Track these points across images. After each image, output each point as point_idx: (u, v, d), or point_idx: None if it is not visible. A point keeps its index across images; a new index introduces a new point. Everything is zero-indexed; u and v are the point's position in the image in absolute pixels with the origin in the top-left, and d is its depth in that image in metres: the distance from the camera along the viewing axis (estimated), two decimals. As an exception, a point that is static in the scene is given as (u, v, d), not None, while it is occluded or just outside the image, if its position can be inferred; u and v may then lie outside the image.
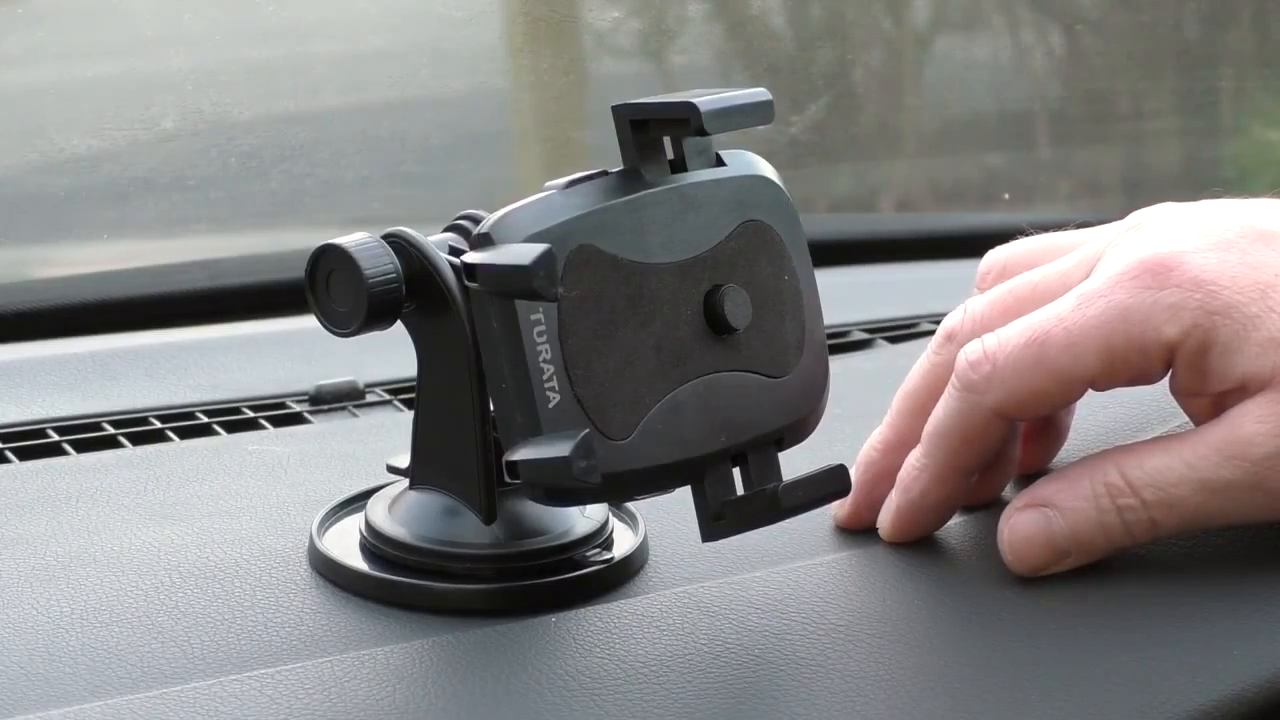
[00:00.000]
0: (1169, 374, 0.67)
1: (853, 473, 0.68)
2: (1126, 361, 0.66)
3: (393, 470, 0.70)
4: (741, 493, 0.66)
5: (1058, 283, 0.69)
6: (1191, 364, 0.66)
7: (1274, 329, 0.65)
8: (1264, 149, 1.55)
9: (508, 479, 0.63)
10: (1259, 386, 0.65)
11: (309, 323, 0.67)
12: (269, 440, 0.85)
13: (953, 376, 0.68)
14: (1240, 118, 1.55)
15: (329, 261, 0.65)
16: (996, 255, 0.75)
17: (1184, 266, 0.65)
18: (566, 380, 0.62)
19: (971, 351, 0.67)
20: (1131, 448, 0.66)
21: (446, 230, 0.68)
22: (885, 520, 0.70)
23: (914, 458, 0.69)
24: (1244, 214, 0.68)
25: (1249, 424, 0.65)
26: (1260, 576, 0.66)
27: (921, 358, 0.72)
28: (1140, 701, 0.61)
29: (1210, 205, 0.70)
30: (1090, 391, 0.68)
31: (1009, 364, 0.67)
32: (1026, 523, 0.66)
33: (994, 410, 0.67)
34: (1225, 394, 0.66)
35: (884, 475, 0.70)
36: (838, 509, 0.72)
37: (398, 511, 0.68)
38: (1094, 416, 0.76)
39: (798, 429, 0.68)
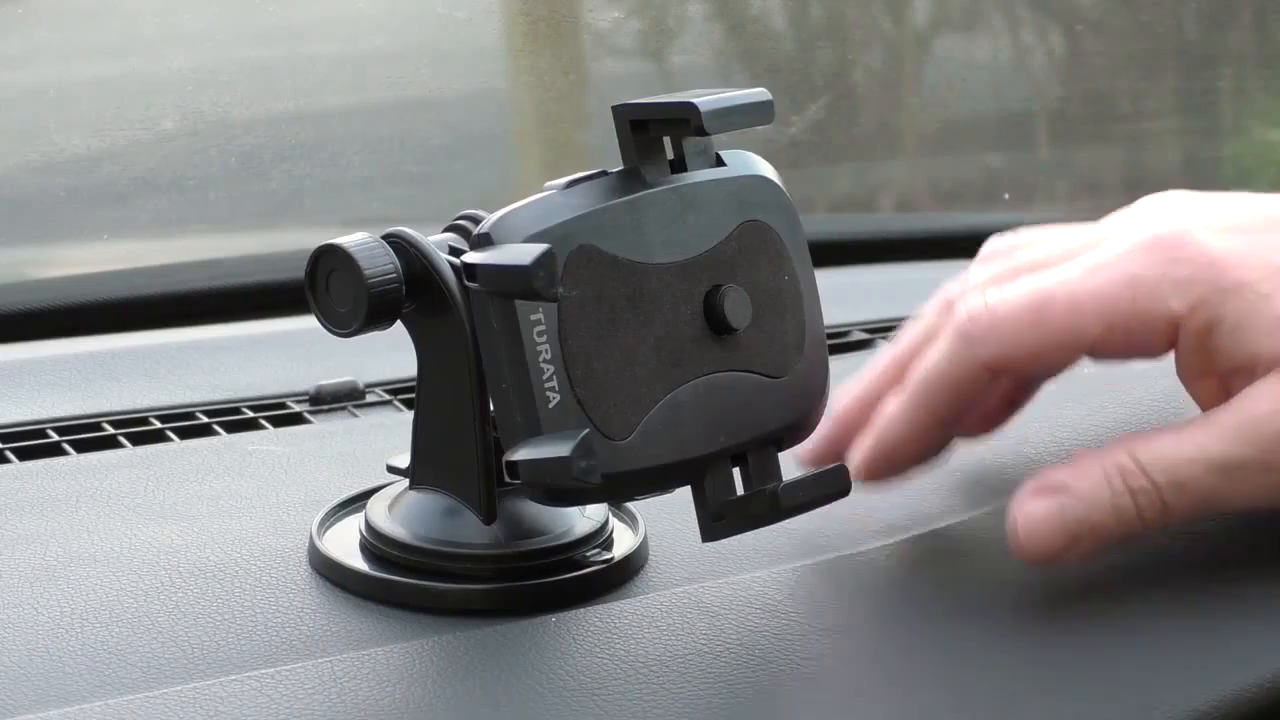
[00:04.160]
0: (1175, 355, 0.67)
1: (826, 417, 0.68)
2: (1128, 330, 0.66)
3: (393, 470, 0.70)
4: (741, 493, 0.66)
5: (1063, 257, 0.69)
6: (1198, 341, 0.65)
7: None
8: (1264, 149, 1.55)
9: (508, 479, 0.63)
10: (1269, 365, 0.64)
11: (309, 323, 0.67)
12: (269, 440, 0.85)
13: (948, 327, 0.67)
14: (1240, 118, 1.55)
15: (329, 261, 0.65)
16: (1000, 239, 0.75)
17: (1196, 243, 0.65)
18: (566, 380, 0.62)
19: (973, 303, 0.67)
20: (1143, 433, 0.66)
21: (446, 230, 0.68)
22: (857, 458, 0.70)
23: (895, 403, 0.69)
24: (1257, 201, 0.68)
25: (1262, 403, 0.64)
26: (1259, 577, 0.66)
27: (914, 321, 0.72)
28: (1140, 702, 0.61)
29: (1221, 194, 0.70)
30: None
31: (1009, 319, 0.66)
32: (1038, 508, 0.65)
33: (986, 364, 0.67)
34: (1234, 374, 0.65)
35: (855, 426, 0.70)
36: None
37: (398, 511, 0.68)
38: (1095, 416, 0.76)
39: (798, 429, 0.68)
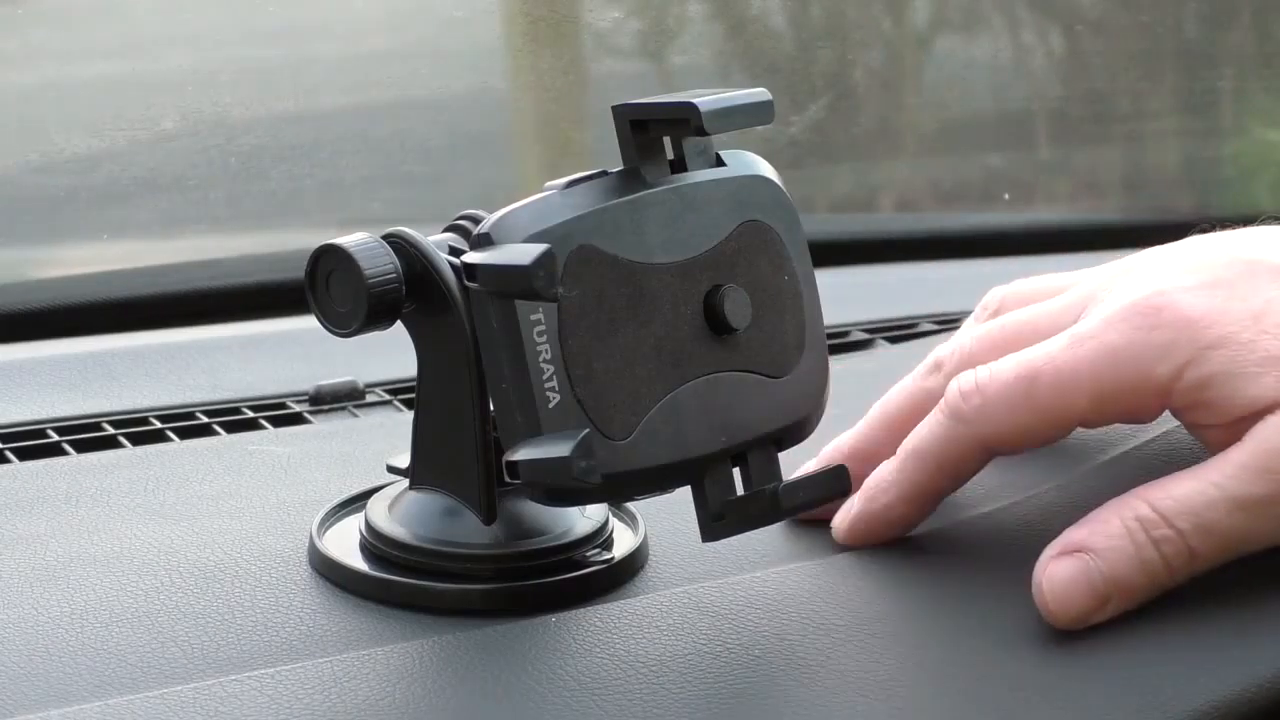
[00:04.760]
0: (1172, 414, 0.67)
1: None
2: (1117, 402, 0.66)
3: (393, 470, 0.70)
4: (741, 493, 0.66)
5: (1048, 323, 0.69)
6: (1192, 400, 0.65)
7: (1271, 349, 0.65)
8: (1264, 149, 1.55)
9: (508, 479, 0.63)
10: (1273, 403, 0.64)
11: (309, 323, 0.67)
12: (269, 440, 0.85)
13: (941, 402, 0.68)
14: (1240, 118, 1.55)
15: (329, 261, 0.65)
16: (995, 293, 0.75)
17: (1173, 306, 0.65)
18: (566, 380, 0.62)
19: (964, 381, 0.67)
20: (1157, 480, 0.66)
21: (446, 230, 0.68)
22: (842, 522, 0.70)
23: (887, 470, 0.69)
24: (1231, 246, 0.68)
25: (1275, 436, 0.64)
26: (1259, 577, 0.66)
27: (907, 379, 0.73)
28: (1139, 702, 0.61)
29: (1197, 241, 0.70)
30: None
31: (999, 397, 0.67)
32: (1063, 570, 0.64)
33: (979, 442, 0.67)
34: (1240, 421, 0.65)
35: None
36: None
37: (398, 511, 0.68)
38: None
39: (798, 429, 0.68)
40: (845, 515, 0.70)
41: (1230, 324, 0.65)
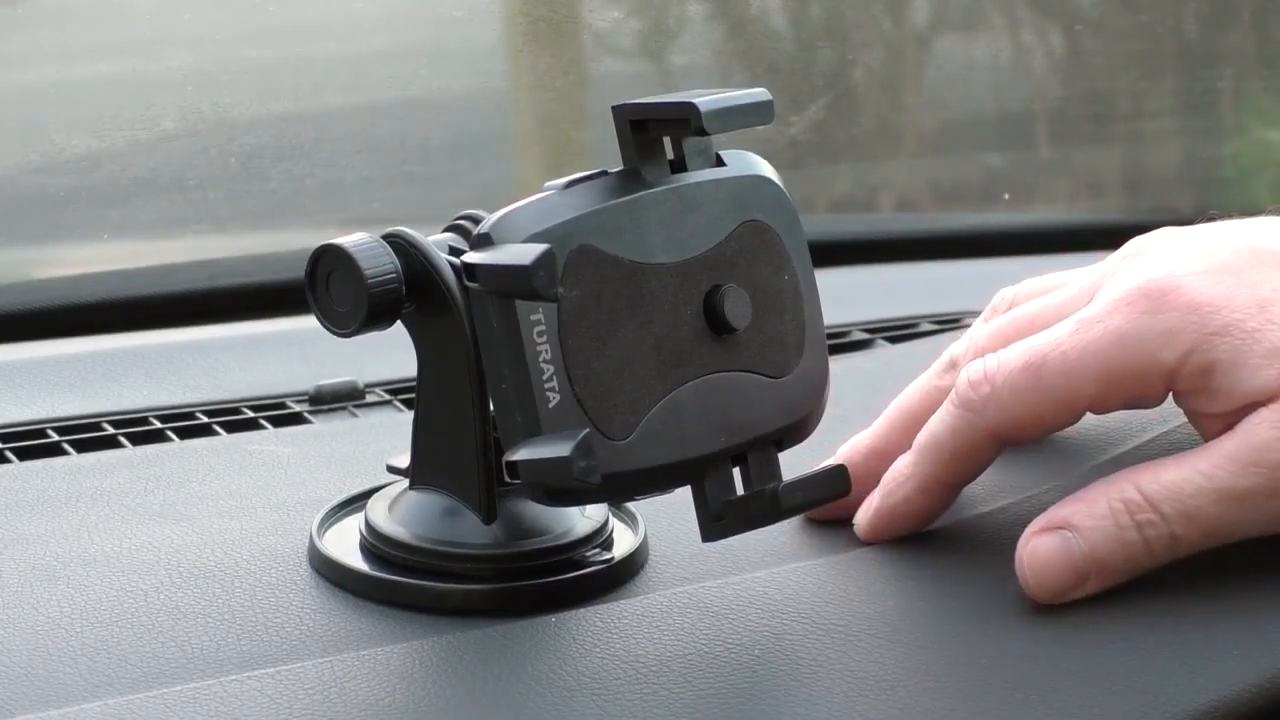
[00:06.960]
0: (1175, 399, 0.67)
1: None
2: (1123, 386, 0.66)
3: (393, 470, 0.70)
4: (741, 493, 0.66)
5: (1056, 312, 0.69)
6: (1196, 386, 0.65)
7: (1276, 340, 0.65)
8: (1264, 149, 1.55)
9: (508, 479, 0.63)
10: (1271, 396, 0.64)
11: (309, 323, 0.67)
12: (269, 440, 0.85)
13: (951, 393, 0.68)
14: (1240, 118, 1.55)
15: (329, 261, 0.65)
16: (1003, 293, 0.76)
17: (1180, 291, 0.65)
18: (566, 380, 0.62)
19: (972, 371, 0.68)
20: (1147, 464, 0.66)
21: (446, 230, 0.68)
22: (862, 518, 0.71)
23: (903, 464, 0.70)
24: (1240, 234, 0.68)
25: (1264, 430, 0.64)
26: (1259, 577, 0.66)
27: (922, 378, 0.73)
28: (1139, 703, 0.61)
29: (1206, 228, 0.70)
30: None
31: (1007, 386, 0.67)
32: (1045, 546, 0.65)
33: (990, 431, 0.67)
34: (1239, 411, 0.65)
35: (863, 479, 0.70)
36: None
37: (398, 511, 0.68)
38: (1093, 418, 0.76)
39: (798, 429, 0.68)
40: (865, 511, 0.70)
41: (1236, 311, 0.65)
